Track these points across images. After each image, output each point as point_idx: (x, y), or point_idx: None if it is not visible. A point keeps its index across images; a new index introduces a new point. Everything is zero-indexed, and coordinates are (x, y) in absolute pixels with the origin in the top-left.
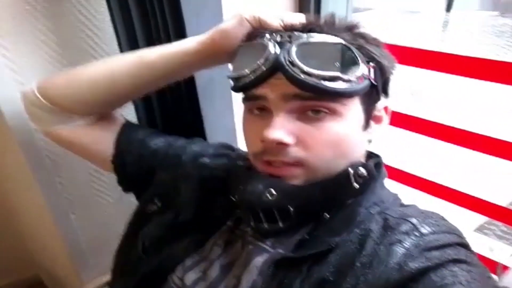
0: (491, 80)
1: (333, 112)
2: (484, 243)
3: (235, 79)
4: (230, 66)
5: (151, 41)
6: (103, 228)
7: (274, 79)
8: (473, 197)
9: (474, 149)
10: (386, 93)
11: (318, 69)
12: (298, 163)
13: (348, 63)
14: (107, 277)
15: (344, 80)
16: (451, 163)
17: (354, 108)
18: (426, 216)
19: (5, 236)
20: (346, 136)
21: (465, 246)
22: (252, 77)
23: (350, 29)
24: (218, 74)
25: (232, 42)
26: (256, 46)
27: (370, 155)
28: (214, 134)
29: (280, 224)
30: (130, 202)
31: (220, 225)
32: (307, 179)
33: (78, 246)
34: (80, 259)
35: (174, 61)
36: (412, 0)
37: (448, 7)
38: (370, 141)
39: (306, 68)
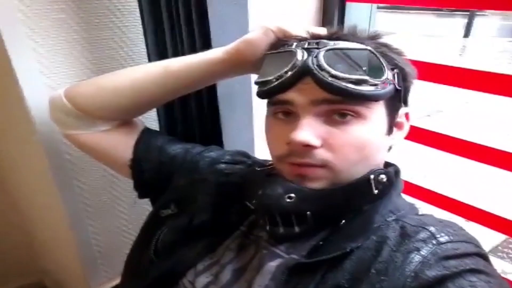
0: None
1: (359, 116)
2: (498, 266)
3: (262, 84)
4: (253, 76)
5: (178, 53)
6: (116, 233)
7: (301, 84)
8: (492, 214)
9: (492, 164)
10: (405, 101)
11: (345, 73)
12: (324, 165)
13: (374, 68)
14: (114, 283)
15: (370, 84)
16: (470, 179)
17: (379, 112)
18: (444, 225)
19: (11, 241)
20: (370, 139)
21: (483, 256)
22: (280, 82)
23: (373, 38)
24: (240, 85)
25: (256, 52)
26: (284, 53)
27: (387, 164)
28: (232, 144)
29: (296, 229)
30: (144, 209)
31: (234, 230)
32: (331, 182)
33: (90, 251)
34: (91, 264)
35: (199, 70)
36: (432, 25)
37: (466, 33)
38: (390, 148)
39: (334, 72)
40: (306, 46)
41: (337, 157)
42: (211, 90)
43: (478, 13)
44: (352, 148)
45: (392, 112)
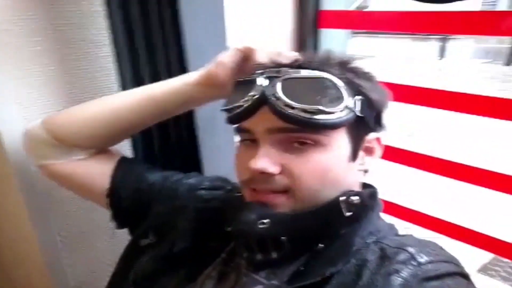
0: (482, 115)
1: (318, 143)
2: (488, 284)
3: (228, 112)
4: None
5: (156, 78)
6: (93, 265)
7: (261, 112)
8: (479, 233)
9: (477, 184)
10: (379, 125)
11: (300, 103)
12: (285, 190)
13: (330, 96)
14: None
15: (325, 113)
16: (457, 199)
17: (339, 139)
18: (424, 245)
19: None
20: (331, 166)
21: (464, 276)
22: (240, 111)
23: (342, 64)
24: (220, 112)
25: (226, 72)
26: (247, 81)
27: (365, 186)
28: (213, 169)
29: (274, 255)
30: (123, 239)
31: (215, 257)
32: (293, 207)
33: (66, 284)
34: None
35: (174, 94)
36: (409, 49)
37: (441, 56)
38: (366, 172)
39: (289, 101)
40: (267, 74)
41: (297, 183)
42: (189, 114)
43: (452, 36)
44: (311, 175)
45: (356, 138)
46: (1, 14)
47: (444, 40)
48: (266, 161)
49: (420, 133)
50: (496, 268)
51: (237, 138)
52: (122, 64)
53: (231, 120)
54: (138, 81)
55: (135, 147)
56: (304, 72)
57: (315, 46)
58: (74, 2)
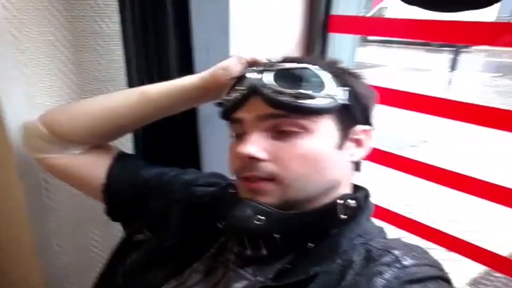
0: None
1: (305, 129)
2: None
3: (220, 105)
4: None
5: (163, 74)
6: (84, 255)
7: (250, 102)
8: (472, 245)
9: (474, 194)
10: (367, 121)
11: (286, 88)
12: (272, 178)
13: (314, 84)
14: None
15: (310, 97)
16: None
17: (325, 126)
18: (409, 248)
19: None
20: (317, 151)
21: (446, 280)
22: (232, 101)
23: (331, 62)
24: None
25: (228, 77)
26: (240, 77)
27: (357, 188)
28: (212, 165)
29: (264, 251)
30: (117, 230)
31: (204, 252)
32: (282, 197)
33: (55, 273)
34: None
35: (175, 96)
36: (421, 59)
37: (452, 68)
38: (357, 166)
39: (275, 88)
40: (259, 69)
41: (284, 169)
42: (192, 112)
43: (463, 49)
44: (299, 161)
45: (343, 127)
46: (15, 3)
47: (456, 52)
48: (254, 146)
49: (424, 145)
50: (486, 282)
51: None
52: (131, 59)
53: (224, 113)
54: (147, 76)
55: (136, 142)
56: (292, 65)
57: (323, 50)
58: None
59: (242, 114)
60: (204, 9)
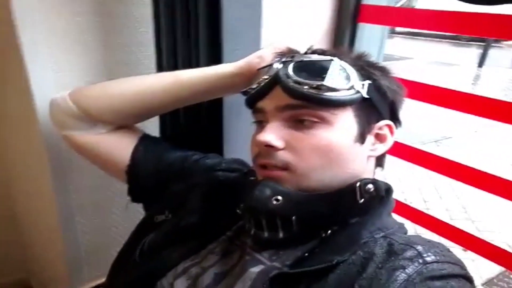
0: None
1: (324, 121)
2: None
3: (245, 94)
4: None
5: (189, 59)
6: (105, 234)
7: (273, 92)
8: (490, 244)
9: (495, 193)
10: (393, 116)
11: (307, 79)
12: (286, 166)
13: (336, 76)
14: (97, 283)
15: (331, 89)
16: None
17: (345, 118)
18: (432, 245)
19: (1, 238)
20: (334, 143)
21: (469, 279)
22: (256, 91)
23: (357, 55)
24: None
25: (261, 66)
26: (266, 67)
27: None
28: (235, 152)
29: (281, 234)
30: (137, 211)
31: (220, 235)
32: (297, 185)
33: (76, 251)
34: (76, 264)
35: (209, 82)
36: (449, 53)
37: (480, 63)
38: (380, 162)
39: (297, 78)
40: (282, 59)
41: (299, 159)
42: (217, 100)
43: (494, 44)
44: (314, 151)
45: (364, 121)
46: None
47: (486, 47)
48: (271, 135)
49: (447, 141)
50: (502, 284)
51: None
52: (161, 41)
53: (248, 102)
54: (173, 61)
55: (162, 124)
56: (315, 57)
57: (352, 41)
58: None
59: (264, 103)
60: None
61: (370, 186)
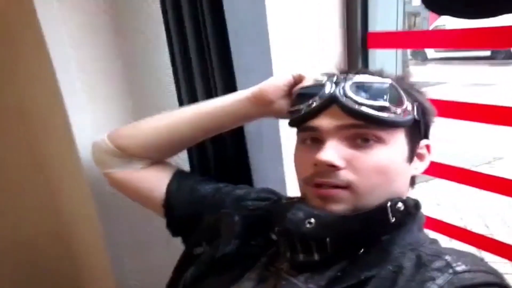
0: None
1: (381, 140)
2: None
3: (294, 113)
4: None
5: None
6: (152, 272)
7: (328, 111)
8: None
9: None
10: (426, 135)
11: (368, 100)
12: (348, 186)
13: (394, 98)
14: None
15: (390, 111)
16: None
17: (399, 139)
18: (462, 254)
19: (61, 272)
20: (391, 163)
21: None
22: (309, 109)
23: (398, 77)
24: (267, 125)
25: (277, 91)
26: (315, 86)
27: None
28: (263, 182)
29: (316, 256)
30: (177, 247)
31: (255, 262)
32: (353, 205)
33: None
34: None
35: (227, 110)
36: (484, 74)
37: None
38: (413, 180)
39: (358, 99)
40: (334, 79)
41: (360, 179)
42: (239, 131)
43: None
44: (374, 171)
45: (413, 141)
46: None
47: None
48: (333, 154)
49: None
50: None
51: (290, 151)
52: (181, 85)
53: (298, 121)
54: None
55: (191, 160)
56: (369, 78)
57: (365, 67)
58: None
59: (319, 122)
60: (243, 36)
61: (400, 204)
